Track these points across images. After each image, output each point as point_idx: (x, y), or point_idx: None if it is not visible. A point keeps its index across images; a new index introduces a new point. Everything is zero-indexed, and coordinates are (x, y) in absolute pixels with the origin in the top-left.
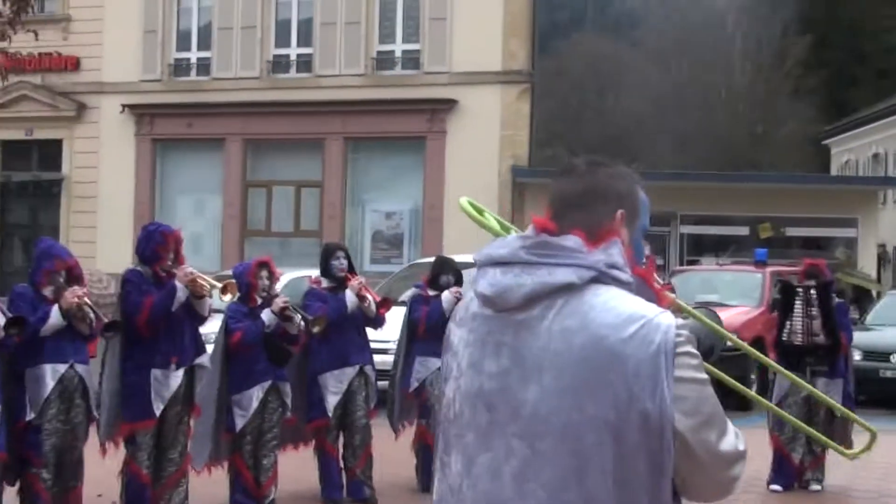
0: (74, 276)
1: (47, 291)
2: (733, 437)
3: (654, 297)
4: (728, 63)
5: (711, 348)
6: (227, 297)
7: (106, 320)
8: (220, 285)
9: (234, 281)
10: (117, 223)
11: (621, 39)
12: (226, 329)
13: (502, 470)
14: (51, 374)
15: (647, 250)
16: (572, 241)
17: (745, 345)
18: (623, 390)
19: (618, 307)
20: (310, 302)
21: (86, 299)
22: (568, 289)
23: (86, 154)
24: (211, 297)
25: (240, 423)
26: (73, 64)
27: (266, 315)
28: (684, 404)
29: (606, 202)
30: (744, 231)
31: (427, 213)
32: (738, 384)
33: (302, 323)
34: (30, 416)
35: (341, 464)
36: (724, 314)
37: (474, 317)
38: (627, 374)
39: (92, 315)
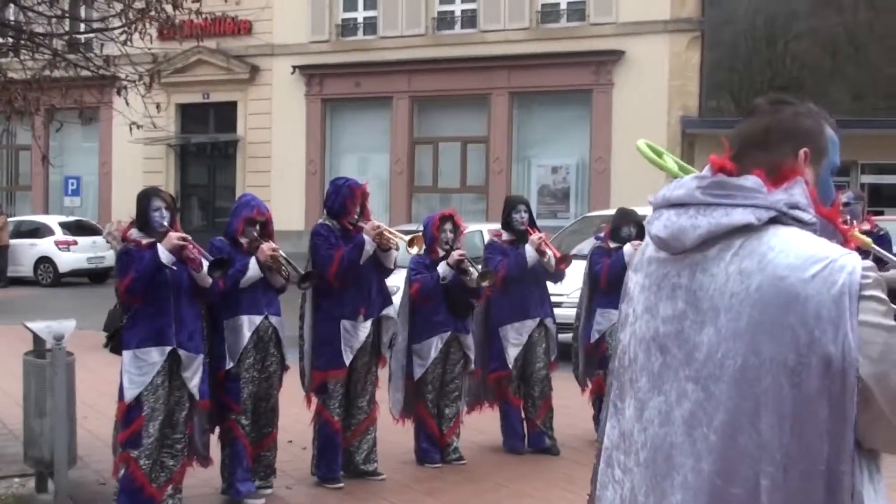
0: (268, 232)
1: (243, 240)
2: None
3: (841, 239)
4: None
5: None
6: (414, 250)
7: (301, 272)
8: (406, 238)
9: (420, 234)
10: (289, 182)
11: None
12: (408, 280)
13: (673, 414)
14: (247, 324)
15: (844, 197)
16: (751, 181)
17: None
18: (803, 333)
19: (799, 247)
20: (490, 255)
21: (280, 252)
22: (745, 230)
23: (259, 115)
24: (398, 250)
25: (418, 371)
26: (246, 28)
27: (442, 267)
28: (870, 349)
29: (789, 140)
30: None
31: (594, 166)
32: None
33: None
34: (228, 365)
35: (523, 415)
36: None
37: (650, 261)
38: (808, 315)
39: (287, 267)
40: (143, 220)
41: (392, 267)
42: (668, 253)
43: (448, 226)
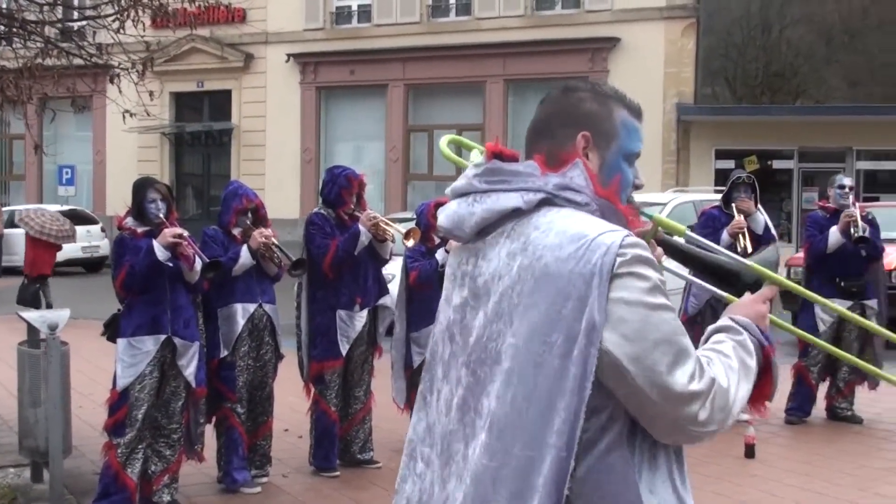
0: (260, 217)
1: (236, 231)
2: (689, 372)
3: (623, 220)
4: None
5: (756, 283)
6: (410, 243)
7: (293, 259)
8: (402, 230)
9: (416, 227)
10: (284, 170)
11: None
12: (405, 269)
13: (452, 402)
14: (241, 313)
15: (848, 181)
16: (524, 165)
17: (786, 280)
18: (553, 312)
19: (561, 227)
20: None
21: (273, 239)
22: (517, 213)
23: (253, 104)
24: (393, 241)
25: (417, 360)
26: (240, 16)
27: (440, 254)
28: (624, 327)
29: (570, 125)
30: None
31: None
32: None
33: None
34: (223, 353)
35: None
36: None
37: (453, 252)
38: (559, 294)
39: (280, 255)
40: (138, 210)
41: (388, 258)
42: (461, 242)
43: None
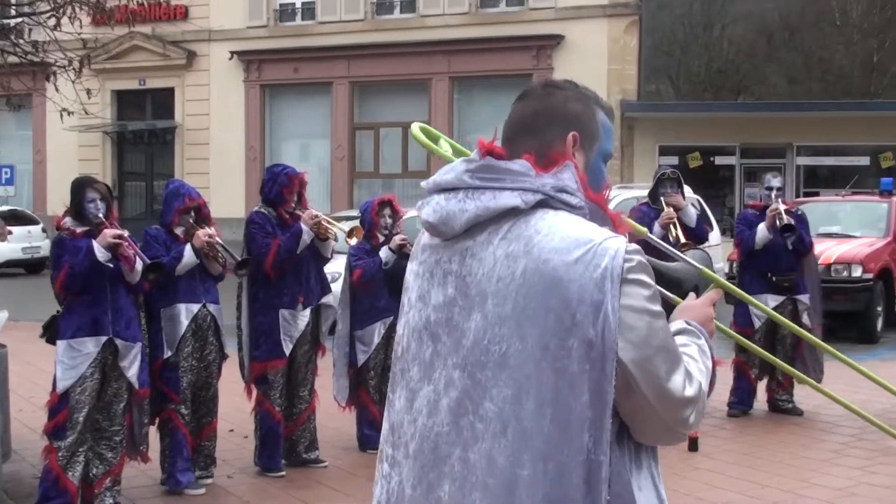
0: (203, 216)
1: (179, 231)
2: (684, 379)
3: (611, 224)
4: None
5: (696, 287)
6: (353, 241)
7: (238, 258)
8: (345, 229)
9: (359, 226)
10: (229, 169)
11: None
12: (348, 267)
13: (441, 403)
14: (185, 313)
15: (777, 182)
16: (519, 164)
17: (727, 283)
18: (566, 316)
19: (564, 231)
20: None
21: (217, 238)
22: (513, 213)
23: (197, 102)
24: (336, 240)
25: (362, 358)
26: (182, 13)
27: (384, 252)
28: (632, 334)
29: (559, 125)
30: (864, 161)
31: None
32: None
33: None
34: (166, 354)
35: None
36: (848, 245)
37: (424, 248)
38: (570, 299)
39: (224, 254)
40: (76, 210)
41: (329, 256)
42: (440, 239)
43: (387, 211)
